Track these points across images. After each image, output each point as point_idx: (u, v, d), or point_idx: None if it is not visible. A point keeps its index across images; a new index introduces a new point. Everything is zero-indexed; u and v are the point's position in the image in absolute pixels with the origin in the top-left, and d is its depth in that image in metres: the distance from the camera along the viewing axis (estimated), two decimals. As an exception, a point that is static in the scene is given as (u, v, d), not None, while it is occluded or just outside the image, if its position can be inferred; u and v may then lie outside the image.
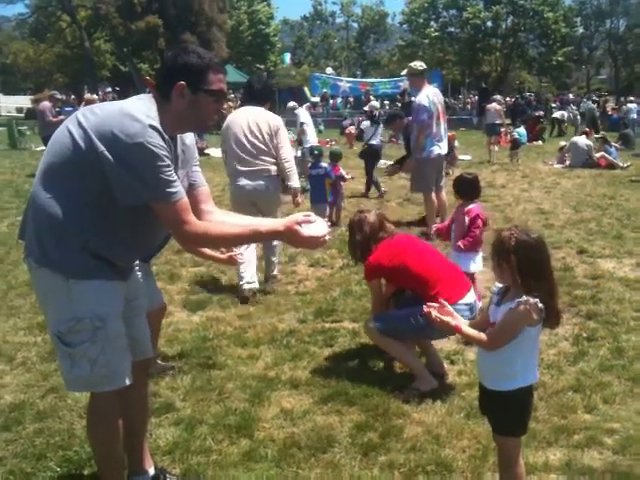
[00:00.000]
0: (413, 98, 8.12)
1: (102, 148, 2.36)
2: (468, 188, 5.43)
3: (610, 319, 5.19)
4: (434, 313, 2.69)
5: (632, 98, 30.53)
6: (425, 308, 2.73)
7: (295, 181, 5.95)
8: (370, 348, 4.70)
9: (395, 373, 4.30)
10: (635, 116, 25.86)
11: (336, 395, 3.90)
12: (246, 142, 5.67)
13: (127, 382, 2.60)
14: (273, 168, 5.80)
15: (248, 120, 5.69)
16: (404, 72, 8.73)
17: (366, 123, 13.77)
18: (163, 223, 2.52)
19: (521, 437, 2.79)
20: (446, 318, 2.68)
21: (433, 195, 8.25)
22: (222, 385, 4.06)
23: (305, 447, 3.35)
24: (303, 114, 12.96)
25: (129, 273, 2.71)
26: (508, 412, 2.69)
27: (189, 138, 2.76)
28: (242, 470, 3.16)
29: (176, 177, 2.47)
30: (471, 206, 5.35)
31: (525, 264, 2.54)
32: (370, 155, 11.70)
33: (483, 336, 2.67)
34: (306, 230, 2.60)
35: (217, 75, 2.55)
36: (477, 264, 5.41)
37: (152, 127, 2.38)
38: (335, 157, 9.41)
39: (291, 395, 3.95)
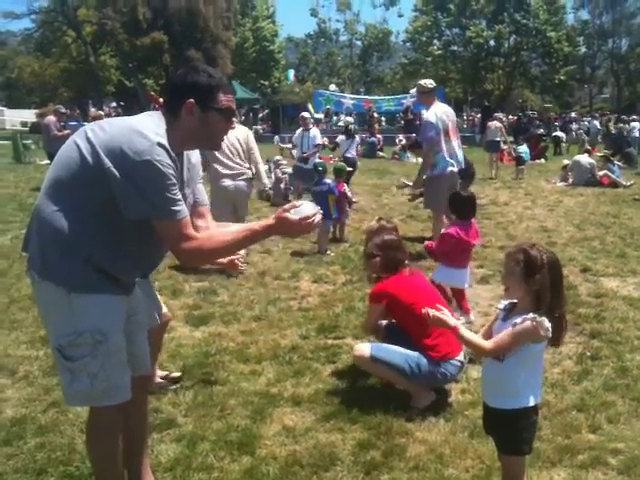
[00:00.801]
0: (424, 114, 8.07)
1: (109, 164, 2.37)
2: (462, 206, 5.47)
3: (614, 338, 5.17)
4: (431, 312, 2.69)
5: (634, 117, 30.65)
6: (423, 310, 2.73)
7: (266, 180, 7.93)
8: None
9: (398, 391, 4.27)
10: (637, 134, 25.94)
11: (338, 413, 3.88)
12: (225, 147, 6.82)
13: (128, 397, 2.59)
14: (248, 172, 7.33)
15: None
16: (413, 90, 8.78)
17: (342, 137, 14.00)
18: (163, 240, 2.53)
19: (525, 457, 2.78)
20: (444, 317, 2.67)
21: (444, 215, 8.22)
22: (224, 401, 4.04)
23: (307, 465, 3.33)
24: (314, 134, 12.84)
25: (132, 288, 2.71)
26: (513, 431, 2.68)
27: (195, 156, 2.78)
28: (244, 488, 3.13)
29: (180, 195, 2.48)
30: (450, 228, 5.42)
31: (555, 280, 2.59)
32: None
33: (482, 341, 2.67)
34: (296, 214, 2.59)
35: (227, 95, 2.58)
36: (463, 280, 5.48)
37: (160, 145, 2.39)
38: (339, 173, 9.40)
39: (293, 412, 3.93)
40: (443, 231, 5.53)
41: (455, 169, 8.15)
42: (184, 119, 2.52)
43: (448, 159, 7.98)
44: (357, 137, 14.11)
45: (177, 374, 4.37)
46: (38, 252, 2.49)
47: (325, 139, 22.33)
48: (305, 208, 2.63)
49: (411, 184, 8.83)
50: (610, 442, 3.56)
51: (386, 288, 4.16)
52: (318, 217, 2.65)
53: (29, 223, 2.60)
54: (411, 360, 3.95)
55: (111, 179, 2.37)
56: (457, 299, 5.51)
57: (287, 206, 2.64)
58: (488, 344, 2.64)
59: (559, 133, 27.91)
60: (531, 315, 2.52)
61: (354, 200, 10.22)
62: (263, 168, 7.74)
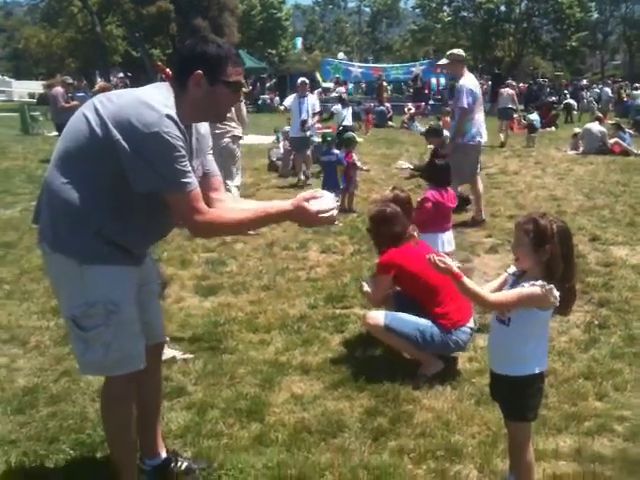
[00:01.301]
0: (460, 82, 7.98)
1: (118, 136, 2.36)
2: (437, 173, 5.62)
3: (622, 307, 5.17)
4: (436, 258, 2.64)
5: (637, 85, 30.34)
6: (427, 256, 2.69)
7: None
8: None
9: (405, 359, 4.30)
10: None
11: (346, 381, 3.92)
12: None
13: (141, 366, 2.62)
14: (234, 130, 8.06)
15: None
16: (443, 61, 8.66)
17: (337, 107, 13.94)
18: (174, 213, 2.52)
19: (531, 423, 2.80)
20: (448, 264, 2.62)
21: (479, 179, 8.26)
22: (233, 370, 4.08)
23: (315, 432, 3.37)
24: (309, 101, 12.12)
25: (142, 259, 2.73)
26: (519, 398, 2.69)
27: (204, 127, 2.76)
28: (253, 454, 3.18)
29: (190, 167, 2.47)
30: (427, 193, 5.54)
31: (566, 250, 2.58)
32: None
33: (486, 293, 2.66)
34: (315, 206, 2.58)
35: (235, 67, 2.55)
36: (447, 243, 5.52)
37: (169, 117, 2.38)
38: (348, 143, 9.34)
39: (302, 380, 3.97)
40: (419, 198, 5.61)
41: (482, 140, 8.14)
42: (191, 91, 2.50)
43: (478, 129, 7.97)
44: (350, 107, 14.01)
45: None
46: (49, 224, 2.50)
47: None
48: (325, 201, 2.61)
49: (412, 167, 8.80)
50: (616, 409, 3.58)
51: (393, 259, 4.16)
52: (335, 212, 2.64)
53: (39, 195, 2.60)
54: (424, 329, 3.97)
55: (120, 151, 2.37)
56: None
57: (307, 194, 2.62)
58: (492, 297, 2.64)
59: (570, 100, 27.61)
60: (540, 282, 2.52)
61: (365, 169, 10.17)
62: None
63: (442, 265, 2.61)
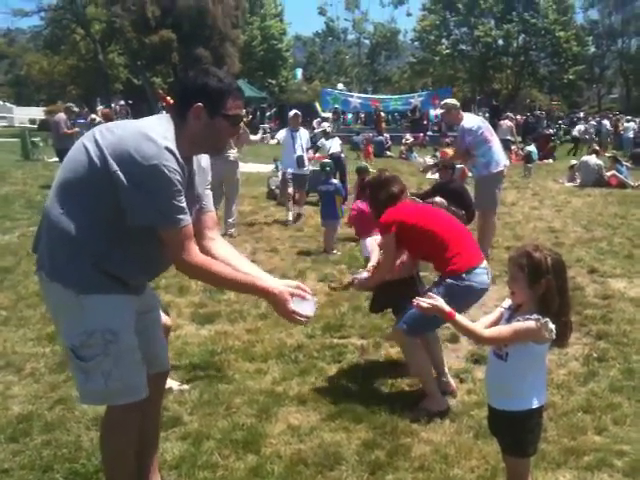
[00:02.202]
0: (461, 124, 8.00)
1: (116, 167, 2.37)
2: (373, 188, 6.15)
3: (621, 339, 5.15)
4: (422, 302, 2.62)
5: (628, 117, 30.84)
6: (414, 302, 2.67)
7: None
8: (378, 365, 4.69)
9: (403, 391, 4.28)
10: (631, 134, 26.15)
11: (343, 412, 3.88)
12: None
13: (143, 395, 2.60)
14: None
15: None
16: (439, 110, 8.83)
17: (322, 141, 14.03)
18: (165, 247, 2.51)
19: (530, 458, 2.77)
20: (439, 303, 2.60)
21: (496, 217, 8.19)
22: (230, 400, 4.05)
23: (312, 464, 3.33)
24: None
25: (142, 289, 2.72)
26: (518, 433, 2.67)
27: (205, 160, 2.76)
28: (248, 486, 3.14)
29: (185, 203, 2.46)
30: (353, 204, 6.22)
31: (561, 283, 2.56)
32: (335, 164, 11.71)
33: (480, 329, 2.64)
34: (295, 306, 2.60)
35: (236, 101, 2.57)
36: (370, 248, 5.62)
37: (168, 149, 2.39)
38: (362, 172, 9.32)
39: (298, 411, 3.93)
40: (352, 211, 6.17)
41: (504, 168, 8.10)
42: (191, 123, 2.52)
43: (500, 156, 7.96)
44: (337, 138, 14.10)
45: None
46: (47, 253, 2.50)
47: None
48: (306, 307, 2.65)
49: (432, 163, 8.85)
50: (616, 444, 3.55)
51: (391, 216, 4.10)
52: (310, 320, 2.71)
53: (40, 223, 2.61)
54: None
55: (117, 183, 2.37)
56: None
57: (295, 290, 2.63)
58: (487, 332, 2.63)
59: (576, 133, 27.52)
60: (535, 316, 2.51)
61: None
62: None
63: (431, 305, 2.60)
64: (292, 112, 11.34)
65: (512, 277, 2.64)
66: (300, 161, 10.55)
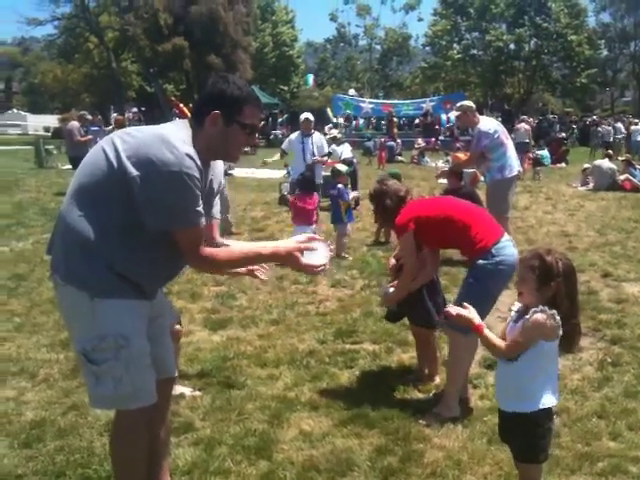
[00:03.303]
0: (478, 126, 7.94)
1: (134, 172, 2.39)
2: (306, 185, 8.03)
3: (635, 344, 5.10)
4: (454, 310, 2.69)
5: (637, 120, 30.51)
6: (446, 309, 2.74)
7: None
8: (390, 370, 4.67)
9: (416, 396, 4.26)
10: (639, 138, 25.89)
11: (356, 418, 3.87)
12: None
13: (153, 400, 2.61)
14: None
15: None
16: (454, 113, 8.75)
17: (333, 147, 14.05)
18: (179, 247, 2.54)
19: (542, 464, 2.75)
20: (470, 315, 2.64)
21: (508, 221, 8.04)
22: (242, 405, 4.05)
23: (324, 470, 3.32)
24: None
25: (154, 294, 2.73)
26: (529, 437, 2.65)
27: (219, 166, 2.79)
28: (260, 492, 3.14)
29: (201, 207, 2.50)
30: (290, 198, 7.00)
31: (570, 287, 2.57)
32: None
33: (500, 342, 2.66)
34: (306, 259, 2.69)
35: (253, 110, 2.59)
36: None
37: (189, 156, 2.40)
38: (395, 178, 9.31)
39: (310, 417, 3.92)
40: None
41: (518, 173, 8.08)
42: (207, 129, 2.53)
43: (514, 161, 7.92)
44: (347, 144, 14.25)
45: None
46: (62, 256, 2.51)
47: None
48: (317, 257, 2.71)
49: (446, 168, 8.82)
50: (630, 450, 3.52)
51: (407, 214, 4.09)
52: (327, 266, 2.76)
53: (54, 227, 2.62)
54: (470, 283, 3.90)
55: (135, 187, 2.39)
56: None
57: (303, 244, 2.71)
58: (504, 345, 2.63)
59: (605, 132, 27.27)
60: (541, 307, 2.51)
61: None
62: None
63: (464, 318, 2.65)
64: (303, 116, 10.80)
65: (522, 278, 2.65)
66: (310, 169, 9.78)
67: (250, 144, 2.74)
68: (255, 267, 3.70)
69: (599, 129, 28.54)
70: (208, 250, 2.60)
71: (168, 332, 2.90)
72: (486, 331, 2.66)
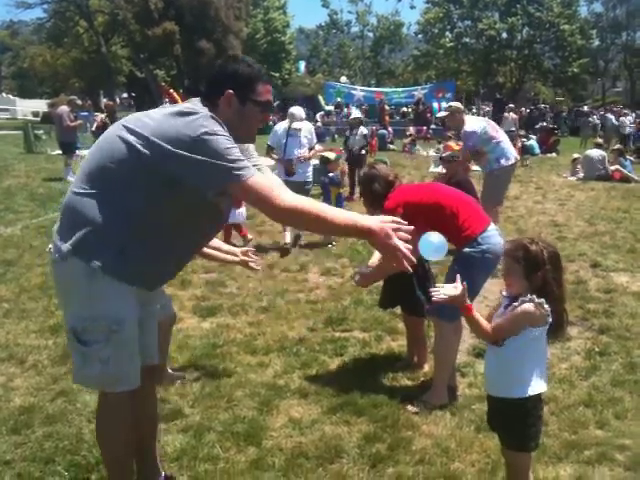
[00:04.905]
0: (465, 126, 7.93)
1: (168, 147, 2.33)
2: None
3: (623, 334, 5.14)
4: (442, 291, 2.65)
5: (626, 112, 30.61)
6: (435, 296, 2.68)
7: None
8: (380, 358, 4.69)
9: (405, 384, 4.28)
10: (627, 130, 25.94)
11: (345, 405, 3.89)
12: None
13: (136, 385, 2.60)
14: None
15: None
16: (442, 113, 8.78)
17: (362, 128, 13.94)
18: (252, 203, 2.50)
19: (532, 453, 2.77)
20: (461, 293, 2.62)
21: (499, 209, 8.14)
22: (231, 392, 4.05)
23: (313, 457, 3.33)
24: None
25: (156, 287, 2.73)
26: (518, 424, 2.66)
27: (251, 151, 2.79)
28: (249, 479, 3.15)
29: (241, 155, 2.43)
30: None
31: (556, 274, 2.58)
32: (355, 160, 12.49)
33: (487, 325, 2.67)
34: (400, 241, 2.41)
35: (265, 86, 2.58)
36: (238, 215, 7.49)
37: (211, 116, 2.39)
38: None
39: (300, 404, 3.94)
40: None
41: (515, 161, 8.09)
42: (222, 110, 2.50)
43: (510, 150, 7.93)
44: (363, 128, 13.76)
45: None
46: (70, 232, 2.45)
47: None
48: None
49: (444, 172, 8.80)
50: (617, 438, 3.55)
51: (395, 199, 4.06)
52: (411, 261, 2.42)
53: (63, 205, 2.55)
54: (455, 271, 3.74)
55: (174, 162, 2.34)
56: (237, 231, 7.86)
57: (395, 226, 2.43)
58: (489, 328, 2.65)
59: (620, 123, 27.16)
60: (529, 296, 2.52)
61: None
62: None
63: (453, 298, 2.63)
64: (292, 109, 8.91)
65: (507, 269, 2.67)
66: (289, 167, 8.32)
67: (266, 122, 2.72)
68: (247, 258, 3.71)
69: (589, 119, 28.60)
70: (290, 203, 2.39)
71: (155, 319, 2.89)
72: (475, 312, 2.66)
